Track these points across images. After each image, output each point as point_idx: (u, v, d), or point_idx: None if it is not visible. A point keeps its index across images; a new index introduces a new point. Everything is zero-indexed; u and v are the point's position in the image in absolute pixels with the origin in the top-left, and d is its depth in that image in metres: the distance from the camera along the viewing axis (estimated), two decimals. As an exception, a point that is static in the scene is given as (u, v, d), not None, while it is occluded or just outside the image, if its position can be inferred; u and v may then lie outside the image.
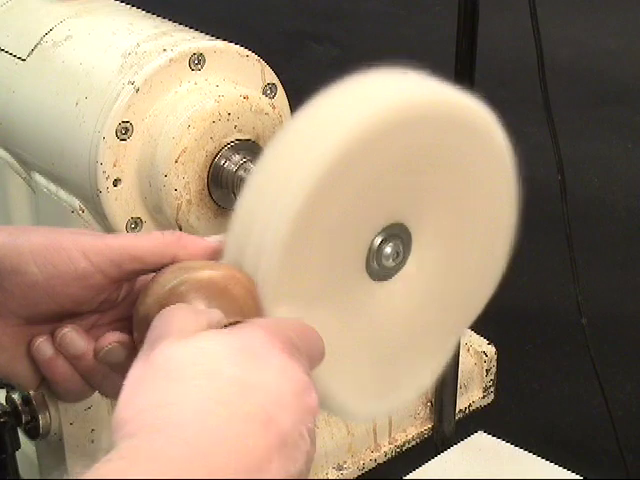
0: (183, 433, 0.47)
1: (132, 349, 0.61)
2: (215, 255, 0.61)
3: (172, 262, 0.60)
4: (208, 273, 0.58)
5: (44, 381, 0.64)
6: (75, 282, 0.60)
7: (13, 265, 0.59)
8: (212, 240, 0.62)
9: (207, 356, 0.51)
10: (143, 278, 0.62)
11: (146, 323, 0.57)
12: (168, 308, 0.56)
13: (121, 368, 0.60)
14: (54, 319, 0.62)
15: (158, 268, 0.60)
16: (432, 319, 0.67)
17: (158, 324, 0.55)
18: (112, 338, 0.62)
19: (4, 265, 0.59)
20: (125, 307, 0.63)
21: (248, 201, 0.59)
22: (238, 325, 0.54)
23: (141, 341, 0.56)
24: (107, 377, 0.63)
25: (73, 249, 0.60)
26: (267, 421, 0.49)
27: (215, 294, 0.58)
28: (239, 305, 0.58)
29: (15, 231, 0.61)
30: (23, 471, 1.06)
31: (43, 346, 0.62)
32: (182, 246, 0.61)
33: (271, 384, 0.50)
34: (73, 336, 0.62)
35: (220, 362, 0.51)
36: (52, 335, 0.62)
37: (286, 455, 0.49)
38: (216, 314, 0.56)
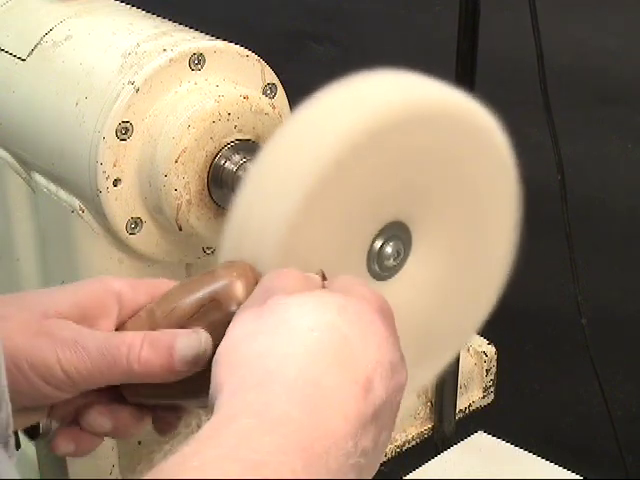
0: (301, 390, 0.49)
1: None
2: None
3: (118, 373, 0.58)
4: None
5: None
6: (34, 397, 0.58)
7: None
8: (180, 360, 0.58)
9: (327, 310, 0.52)
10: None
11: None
12: (277, 270, 0.56)
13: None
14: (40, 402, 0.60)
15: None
16: (432, 319, 0.67)
17: (269, 280, 0.55)
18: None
19: None
20: None
21: (245, 200, 0.59)
22: (344, 290, 0.55)
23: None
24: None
25: (25, 353, 0.57)
26: (368, 390, 0.50)
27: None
28: None
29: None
30: (23, 471, 1.06)
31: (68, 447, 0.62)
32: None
33: (376, 354, 0.52)
34: (96, 419, 0.61)
35: (337, 319, 0.52)
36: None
37: (376, 427, 0.51)
38: (318, 279, 0.56)
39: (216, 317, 0.58)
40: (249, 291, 0.57)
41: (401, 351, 0.54)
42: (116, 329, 0.62)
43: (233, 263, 0.59)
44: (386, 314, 0.54)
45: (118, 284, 0.62)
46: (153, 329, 0.59)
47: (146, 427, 0.63)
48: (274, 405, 0.48)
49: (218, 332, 0.56)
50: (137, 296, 0.62)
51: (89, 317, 0.61)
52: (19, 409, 0.58)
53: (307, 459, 0.46)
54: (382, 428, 0.52)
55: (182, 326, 0.59)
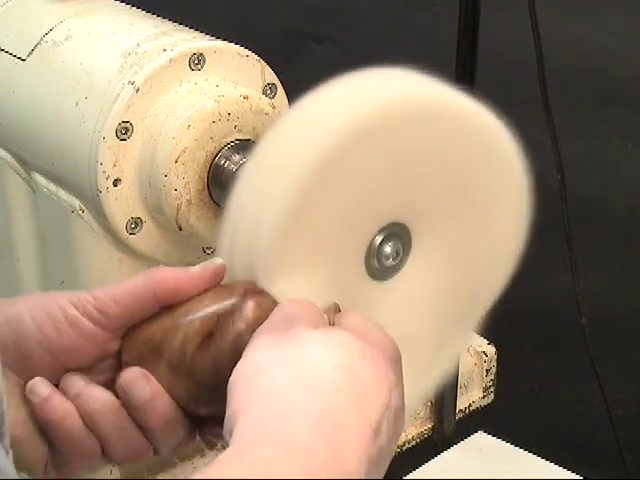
0: (323, 426, 0.49)
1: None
2: (197, 283, 0.59)
3: (153, 303, 0.58)
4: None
5: (50, 449, 0.60)
6: (66, 330, 0.58)
7: (9, 317, 0.58)
8: (192, 270, 0.59)
9: (349, 352, 0.53)
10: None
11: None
12: (295, 300, 0.57)
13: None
14: (53, 378, 0.59)
15: (141, 313, 0.59)
16: (432, 320, 0.67)
17: (290, 308, 0.56)
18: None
19: None
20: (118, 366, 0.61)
21: (240, 199, 0.59)
22: (361, 332, 0.55)
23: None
24: (123, 434, 0.59)
25: (62, 297, 0.59)
26: (377, 433, 0.51)
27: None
28: None
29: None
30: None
31: (37, 387, 0.58)
32: (158, 286, 0.59)
33: (386, 399, 0.52)
34: (90, 390, 0.59)
35: (358, 363, 0.53)
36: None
37: (376, 470, 0.52)
38: (325, 317, 0.57)
39: (224, 334, 0.58)
40: (260, 314, 0.57)
41: (404, 400, 0.55)
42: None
43: (248, 282, 0.59)
44: (397, 362, 0.56)
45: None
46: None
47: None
48: (297, 437, 0.48)
49: (224, 350, 0.57)
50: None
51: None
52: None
53: None
54: (378, 472, 0.52)
55: (191, 339, 0.59)
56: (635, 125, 3.23)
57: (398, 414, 0.54)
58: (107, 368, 0.60)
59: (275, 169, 0.58)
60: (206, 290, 0.59)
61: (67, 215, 0.92)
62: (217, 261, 0.59)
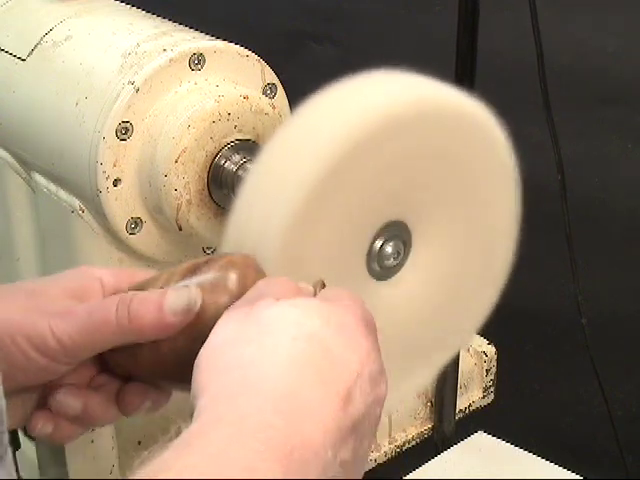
0: (282, 401, 0.49)
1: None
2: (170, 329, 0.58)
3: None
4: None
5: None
6: (32, 373, 0.59)
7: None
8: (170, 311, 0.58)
9: (310, 319, 0.52)
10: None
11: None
12: (269, 277, 0.57)
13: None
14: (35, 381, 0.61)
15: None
16: (432, 319, 0.67)
17: (263, 284, 0.55)
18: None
19: None
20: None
21: (245, 202, 0.59)
22: (331, 300, 0.55)
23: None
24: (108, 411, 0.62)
25: (18, 337, 0.58)
26: (348, 402, 0.50)
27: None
28: None
29: None
30: (23, 471, 1.06)
31: (44, 428, 0.62)
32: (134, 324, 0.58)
33: (357, 366, 0.52)
34: (66, 399, 0.61)
35: (320, 330, 0.52)
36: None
37: (355, 439, 0.51)
38: (311, 289, 0.57)
39: (208, 305, 0.58)
40: (245, 286, 0.57)
41: (382, 363, 0.54)
42: None
43: (236, 256, 0.59)
44: (369, 325, 0.55)
45: (99, 272, 0.63)
46: None
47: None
48: (254, 414, 0.48)
49: (208, 319, 0.57)
50: (119, 283, 0.63)
51: (76, 299, 0.61)
52: (19, 390, 0.60)
53: (287, 466, 0.46)
54: (361, 440, 0.51)
55: None
56: (635, 125, 3.23)
57: (375, 379, 0.53)
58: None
59: (281, 175, 0.58)
60: (192, 263, 0.60)
61: (67, 215, 0.92)
62: (191, 294, 0.58)
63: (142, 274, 0.63)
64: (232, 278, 0.57)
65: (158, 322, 0.57)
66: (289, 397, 0.49)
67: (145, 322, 0.57)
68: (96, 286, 0.62)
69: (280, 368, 0.50)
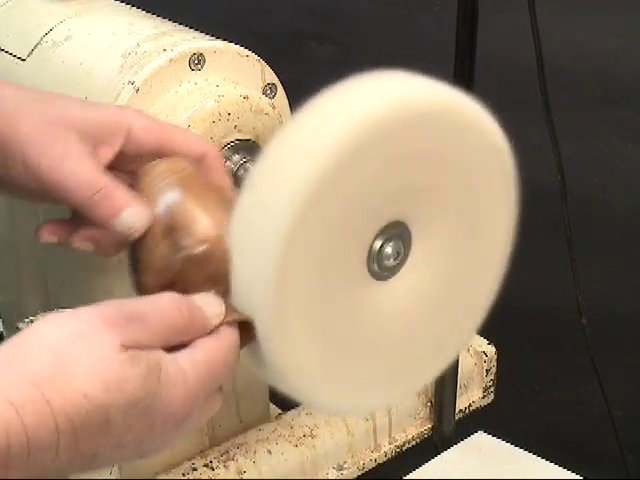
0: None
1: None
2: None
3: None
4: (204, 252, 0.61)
5: None
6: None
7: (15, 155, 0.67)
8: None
9: (50, 336, 0.54)
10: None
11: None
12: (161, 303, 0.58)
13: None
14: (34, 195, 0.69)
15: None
16: (433, 319, 0.67)
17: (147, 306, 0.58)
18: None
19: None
20: None
21: (246, 203, 0.59)
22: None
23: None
24: None
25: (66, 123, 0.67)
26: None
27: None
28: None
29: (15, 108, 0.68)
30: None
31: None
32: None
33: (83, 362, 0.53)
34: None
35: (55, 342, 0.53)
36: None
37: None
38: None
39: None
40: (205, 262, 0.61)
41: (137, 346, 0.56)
42: (109, 165, 0.69)
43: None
44: (119, 318, 0.56)
45: (133, 121, 0.69)
46: None
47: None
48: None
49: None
50: (146, 139, 0.69)
51: (94, 138, 0.68)
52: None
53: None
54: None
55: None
56: (635, 125, 3.23)
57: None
58: None
59: (282, 177, 0.58)
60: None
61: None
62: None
63: (175, 134, 0.70)
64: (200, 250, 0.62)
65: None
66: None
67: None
68: (119, 135, 0.69)
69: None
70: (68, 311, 0.55)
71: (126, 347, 0.54)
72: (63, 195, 0.67)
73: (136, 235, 0.64)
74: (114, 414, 0.53)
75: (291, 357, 0.60)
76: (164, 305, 0.58)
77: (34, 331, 0.54)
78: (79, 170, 0.66)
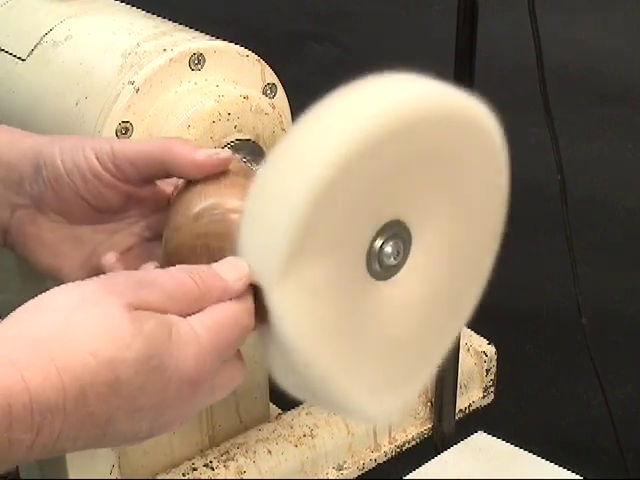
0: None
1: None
2: (201, 170, 0.66)
3: (162, 171, 0.66)
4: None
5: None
6: (90, 180, 0.66)
7: (46, 160, 0.67)
8: (199, 156, 0.66)
9: (56, 302, 0.53)
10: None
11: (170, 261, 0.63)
12: (173, 275, 0.58)
13: None
14: (90, 221, 0.69)
15: (151, 174, 0.67)
16: (433, 314, 0.67)
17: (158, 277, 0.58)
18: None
19: (39, 160, 0.68)
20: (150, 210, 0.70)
21: (251, 205, 0.60)
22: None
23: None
24: None
25: (88, 146, 0.67)
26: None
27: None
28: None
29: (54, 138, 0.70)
30: (23, 471, 1.07)
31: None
32: (168, 160, 0.66)
33: (91, 325, 0.52)
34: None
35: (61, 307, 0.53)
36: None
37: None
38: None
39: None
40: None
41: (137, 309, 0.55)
42: None
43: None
44: (126, 289, 0.56)
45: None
46: None
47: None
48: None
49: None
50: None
51: None
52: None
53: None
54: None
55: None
56: (635, 125, 3.23)
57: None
58: (136, 215, 0.70)
59: (285, 179, 0.58)
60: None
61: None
62: (224, 153, 0.66)
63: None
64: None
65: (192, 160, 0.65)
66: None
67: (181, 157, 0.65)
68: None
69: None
70: (75, 282, 0.54)
71: (135, 307, 0.53)
72: (128, 164, 0.67)
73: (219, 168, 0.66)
74: (124, 371, 0.51)
75: (299, 333, 0.60)
76: (175, 272, 0.57)
77: (40, 299, 0.53)
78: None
